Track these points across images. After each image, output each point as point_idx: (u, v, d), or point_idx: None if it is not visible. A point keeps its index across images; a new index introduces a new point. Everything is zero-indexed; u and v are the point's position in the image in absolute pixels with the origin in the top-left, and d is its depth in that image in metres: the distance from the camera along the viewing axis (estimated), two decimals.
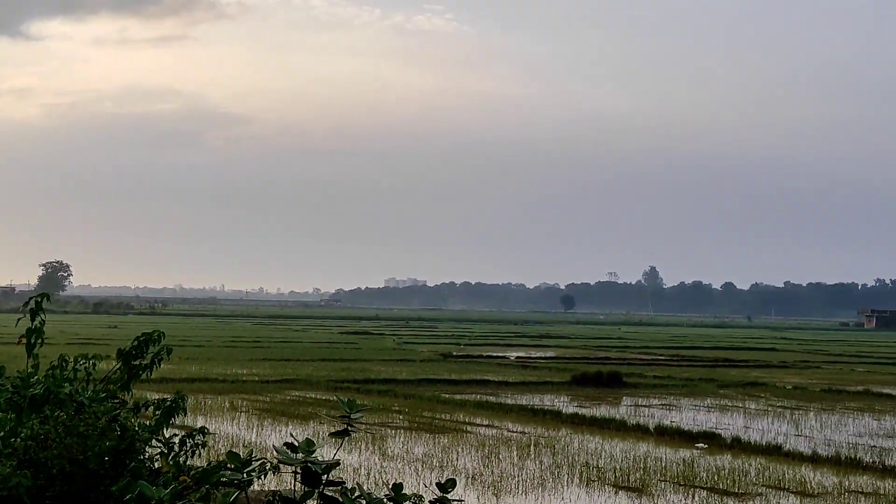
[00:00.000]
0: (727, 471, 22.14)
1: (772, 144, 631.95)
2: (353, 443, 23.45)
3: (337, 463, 6.15)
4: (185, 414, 9.87)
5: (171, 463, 8.45)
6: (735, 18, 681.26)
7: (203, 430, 9.39)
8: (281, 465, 6.49)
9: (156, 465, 8.60)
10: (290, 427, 26.83)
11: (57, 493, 8.09)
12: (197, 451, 9.17)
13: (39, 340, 9.98)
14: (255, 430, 26.40)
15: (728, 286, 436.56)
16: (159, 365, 10.10)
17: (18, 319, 10.10)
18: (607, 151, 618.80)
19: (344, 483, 6.19)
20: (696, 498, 19.29)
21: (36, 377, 9.61)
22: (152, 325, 11.83)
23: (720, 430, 28.34)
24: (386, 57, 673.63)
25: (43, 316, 9.97)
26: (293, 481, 6.31)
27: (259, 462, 6.62)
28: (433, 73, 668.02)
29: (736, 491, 20.02)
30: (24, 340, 9.92)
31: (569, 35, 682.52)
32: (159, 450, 8.90)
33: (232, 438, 24.49)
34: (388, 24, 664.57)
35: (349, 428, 6.56)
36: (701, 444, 26.05)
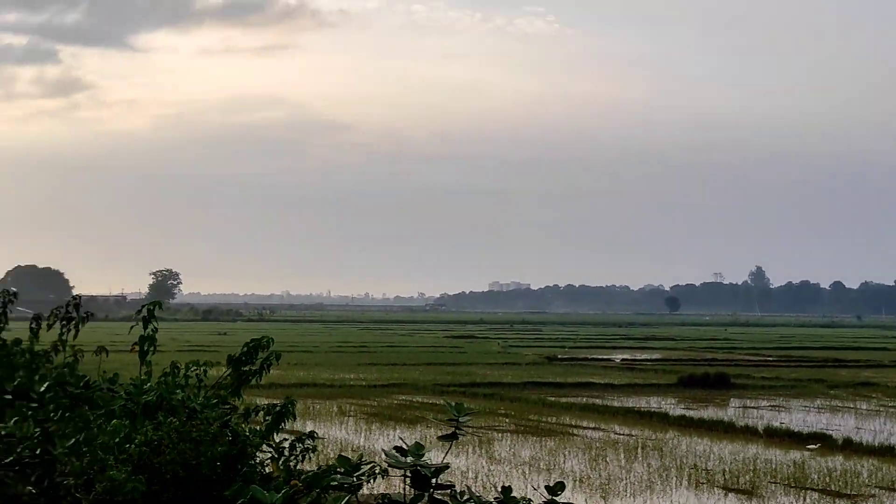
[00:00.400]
0: (839, 472, 21.78)
1: (882, 140, 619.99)
2: (461, 446, 23.49)
3: (446, 466, 6.18)
4: (295, 419, 9.98)
5: (281, 467, 8.54)
6: (842, 13, 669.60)
7: (312, 435, 9.48)
8: (390, 469, 6.53)
9: (266, 469, 8.71)
10: (398, 431, 26.99)
11: (170, 498, 8.22)
12: (307, 456, 9.26)
13: (152, 348, 10.18)
14: (363, 435, 26.58)
15: (837, 285, 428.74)
16: (268, 370, 10.24)
17: (131, 327, 10.31)
18: (712, 151, 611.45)
19: (453, 486, 6.22)
20: (808, 500, 19.01)
21: (149, 384, 9.80)
22: (260, 331, 11.91)
23: (831, 431, 27.88)
24: (487, 61, 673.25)
25: (155, 324, 10.18)
26: (402, 485, 6.35)
27: (369, 466, 6.67)
28: (535, 76, 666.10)
29: (848, 492, 19.69)
30: (138, 348, 10.13)
31: (672, 34, 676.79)
32: (270, 454, 9.00)
33: (340, 442, 24.69)
34: (489, 28, 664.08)
35: (457, 431, 6.59)
36: (812, 444, 25.65)
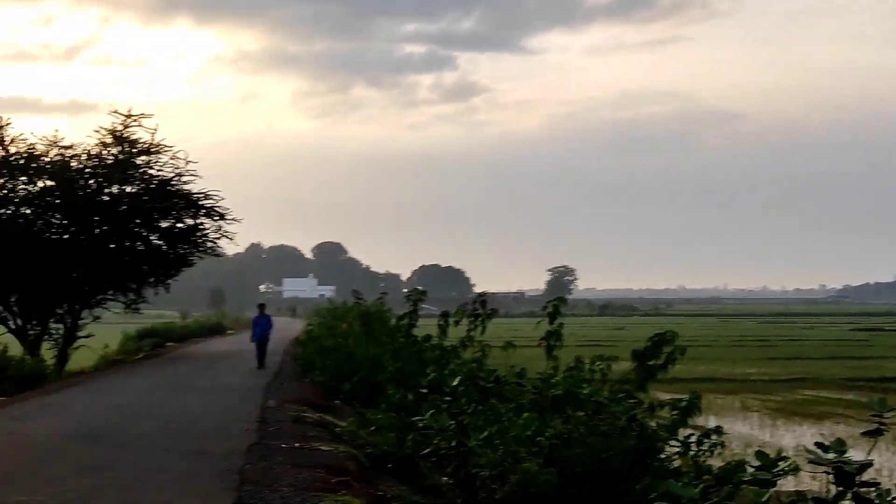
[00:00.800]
0: None
1: None
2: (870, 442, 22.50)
3: (870, 463, 5.92)
4: (699, 414, 9.86)
5: (690, 462, 8.45)
6: None
7: (719, 430, 9.35)
8: (799, 465, 6.32)
9: (673, 464, 8.64)
10: (804, 426, 26.21)
11: (579, 490, 8.31)
12: (714, 451, 9.13)
13: (558, 343, 10.35)
14: (767, 430, 25.97)
15: None
16: (673, 365, 10.18)
17: (538, 322, 10.53)
18: None
19: (879, 484, 5.94)
20: None
21: (555, 378, 9.96)
22: (656, 325, 11.88)
23: None
24: (885, 42, 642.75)
25: (561, 319, 10.34)
26: (811, 481, 6.13)
27: (788, 462, 6.48)
28: None
29: None
30: (545, 343, 10.32)
31: None
32: (675, 449, 8.93)
33: (744, 438, 24.22)
34: (888, 8, 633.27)
35: (881, 427, 6.31)
36: None
